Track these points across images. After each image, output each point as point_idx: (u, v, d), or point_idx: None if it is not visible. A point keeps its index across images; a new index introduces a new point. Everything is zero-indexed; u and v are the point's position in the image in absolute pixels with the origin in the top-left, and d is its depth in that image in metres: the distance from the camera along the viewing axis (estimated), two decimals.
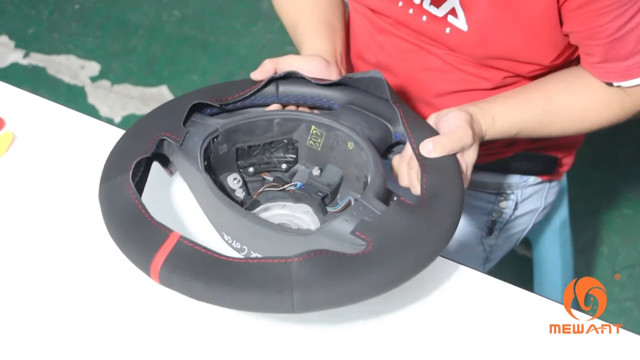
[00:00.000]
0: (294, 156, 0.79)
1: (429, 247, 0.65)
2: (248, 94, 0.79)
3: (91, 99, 1.94)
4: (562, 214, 1.25)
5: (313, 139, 0.77)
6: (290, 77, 0.80)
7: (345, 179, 0.77)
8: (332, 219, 0.66)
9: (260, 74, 0.80)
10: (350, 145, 0.75)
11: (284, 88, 0.80)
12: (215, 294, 0.60)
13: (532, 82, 0.87)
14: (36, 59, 2.01)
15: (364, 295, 0.62)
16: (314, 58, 0.83)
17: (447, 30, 0.84)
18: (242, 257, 0.64)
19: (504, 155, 1.00)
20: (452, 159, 0.72)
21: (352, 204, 0.73)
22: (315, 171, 0.78)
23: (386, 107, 0.78)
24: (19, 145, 0.85)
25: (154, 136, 0.72)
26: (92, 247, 0.76)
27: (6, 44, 2.05)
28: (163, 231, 0.63)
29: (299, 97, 0.81)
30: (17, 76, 1.97)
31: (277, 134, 0.77)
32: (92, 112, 1.89)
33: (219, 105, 0.78)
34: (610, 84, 0.83)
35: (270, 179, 0.78)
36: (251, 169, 0.78)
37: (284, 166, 0.79)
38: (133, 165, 0.68)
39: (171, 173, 0.77)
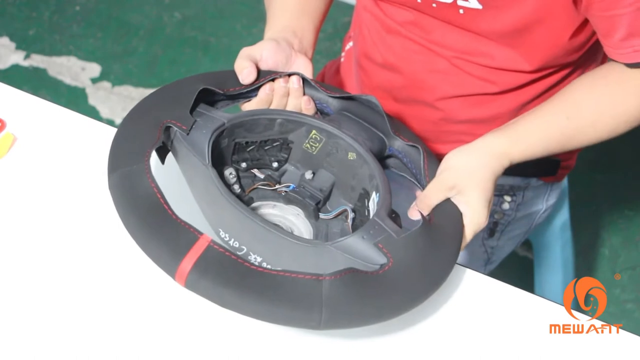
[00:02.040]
0: (286, 156, 0.79)
1: (441, 268, 0.67)
2: (253, 87, 0.79)
3: (92, 101, 1.94)
4: (563, 215, 1.25)
5: (311, 143, 0.77)
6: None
7: (337, 186, 0.78)
8: (348, 235, 0.65)
9: (249, 76, 0.79)
10: (352, 155, 0.75)
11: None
12: (245, 304, 0.58)
13: (551, 97, 0.82)
14: (37, 61, 2.01)
15: (389, 315, 0.63)
16: (264, 44, 0.82)
17: (461, 11, 0.82)
18: (257, 264, 0.63)
19: None
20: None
21: (349, 214, 0.75)
22: (308, 174, 0.78)
23: (381, 120, 0.78)
24: (19, 146, 0.85)
25: (159, 123, 0.69)
26: (92, 249, 0.76)
27: (7, 46, 2.05)
28: (192, 233, 0.60)
29: None
30: (17, 78, 1.97)
31: (276, 133, 0.77)
32: (92, 113, 1.89)
33: (223, 92, 0.77)
34: (639, 65, 0.77)
35: (261, 176, 0.78)
36: (244, 164, 0.78)
37: (274, 164, 0.79)
38: (150, 155, 0.66)
39: (163, 161, 0.74)
